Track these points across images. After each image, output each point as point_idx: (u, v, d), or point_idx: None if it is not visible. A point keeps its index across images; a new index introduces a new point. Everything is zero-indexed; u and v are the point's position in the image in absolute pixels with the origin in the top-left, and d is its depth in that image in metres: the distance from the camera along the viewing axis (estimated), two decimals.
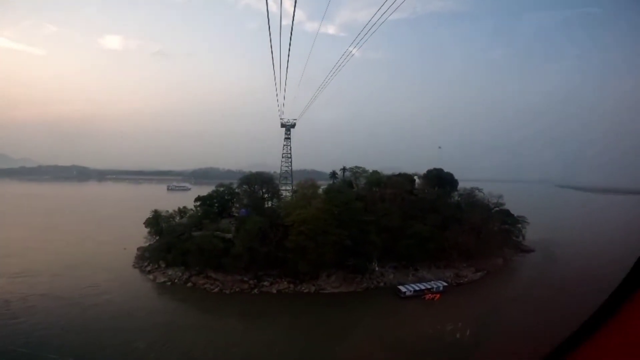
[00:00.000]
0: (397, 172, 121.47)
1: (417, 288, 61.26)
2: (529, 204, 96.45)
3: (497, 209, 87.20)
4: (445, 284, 63.86)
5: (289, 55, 28.47)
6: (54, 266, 68.57)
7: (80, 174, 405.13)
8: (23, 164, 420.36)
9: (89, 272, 65.60)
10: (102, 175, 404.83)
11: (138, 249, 78.06)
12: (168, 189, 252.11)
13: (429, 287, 62.13)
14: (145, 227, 75.41)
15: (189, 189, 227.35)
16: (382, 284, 65.03)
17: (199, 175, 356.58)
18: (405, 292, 60.06)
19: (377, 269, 66.95)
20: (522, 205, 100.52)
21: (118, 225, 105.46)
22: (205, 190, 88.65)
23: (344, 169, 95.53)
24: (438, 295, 60.77)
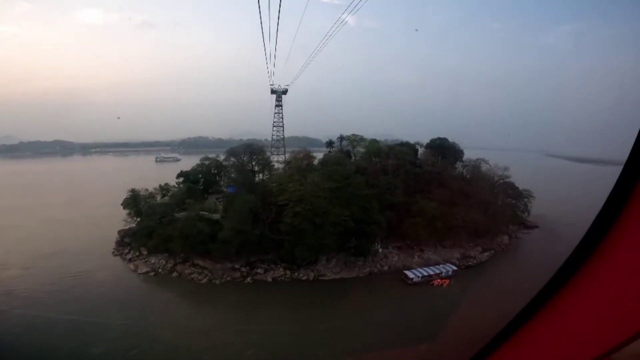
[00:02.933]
0: (391, 139, 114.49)
1: (425, 273, 56.07)
2: (523, 176, 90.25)
3: (502, 181, 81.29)
4: (454, 267, 58.78)
5: (278, 22, 28.35)
6: (25, 256, 61.38)
7: (64, 149, 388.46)
8: (4, 141, 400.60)
9: (63, 262, 58.60)
10: (86, 150, 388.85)
11: (119, 232, 70.88)
12: (156, 161, 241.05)
13: (438, 271, 57.02)
14: (123, 208, 67.87)
15: (179, 160, 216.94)
16: (386, 268, 59.61)
17: (188, 145, 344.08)
18: (412, 279, 54.89)
19: (380, 250, 61.51)
20: (515, 176, 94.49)
21: (100, 203, 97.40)
22: (195, 161, 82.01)
23: (341, 138, 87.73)
24: (447, 281, 55.82)
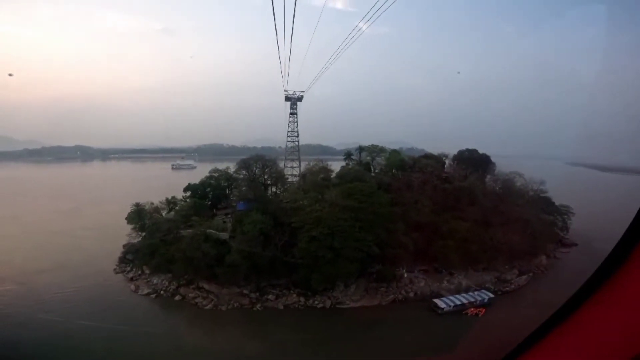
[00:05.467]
0: (406, 147, 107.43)
1: (457, 302, 49.30)
2: (547, 186, 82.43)
3: (537, 196, 73.70)
4: (490, 294, 51.81)
5: (292, 29, 28.17)
6: (23, 270, 57.56)
7: (84, 154, 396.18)
8: (27, 145, 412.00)
9: (60, 279, 54.77)
10: (105, 155, 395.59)
11: (124, 246, 66.73)
12: (173, 168, 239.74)
13: (472, 299, 50.12)
14: (128, 223, 63.65)
15: (195, 167, 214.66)
16: (411, 294, 53.02)
17: (203, 152, 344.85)
18: (444, 308, 48.16)
19: (405, 275, 54.95)
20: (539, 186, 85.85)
21: (111, 212, 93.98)
22: (210, 168, 77.86)
23: (360, 149, 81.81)
24: (483, 310, 48.69)
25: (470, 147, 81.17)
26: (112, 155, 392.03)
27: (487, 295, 51.45)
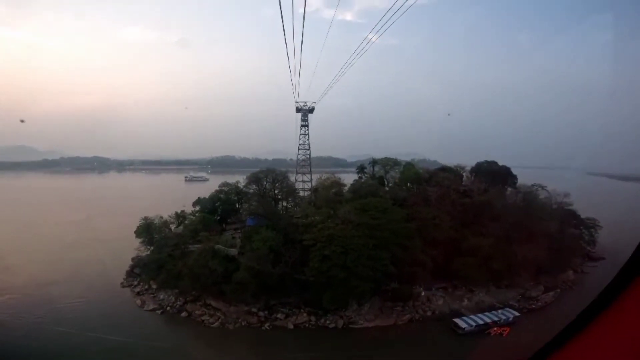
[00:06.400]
0: (417, 158, 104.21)
1: (479, 321, 46.18)
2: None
3: (561, 209, 69.92)
4: (515, 313, 48.37)
5: (302, 41, 29.20)
6: (32, 281, 56.97)
7: (101, 165, 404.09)
8: (47, 156, 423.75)
9: (66, 291, 53.43)
10: (121, 166, 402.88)
11: (133, 259, 65.58)
12: (186, 180, 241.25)
13: (496, 318, 46.83)
14: (136, 237, 62.56)
15: (207, 180, 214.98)
16: (429, 313, 50.06)
17: (216, 164, 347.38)
18: (464, 328, 45.02)
19: (422, 293, 51.97)
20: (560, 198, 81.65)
21: (123, 224, 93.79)
22: (222, 180, 77.23)
23: (373, 162, 79.62)
24: (507, 329, 45.27)
25: (484, 158, 78.21)
26: (128, 167, 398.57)
27: (511, 313, 48.19)
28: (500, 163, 77.17)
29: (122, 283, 58.58)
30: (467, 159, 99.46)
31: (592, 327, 3.35)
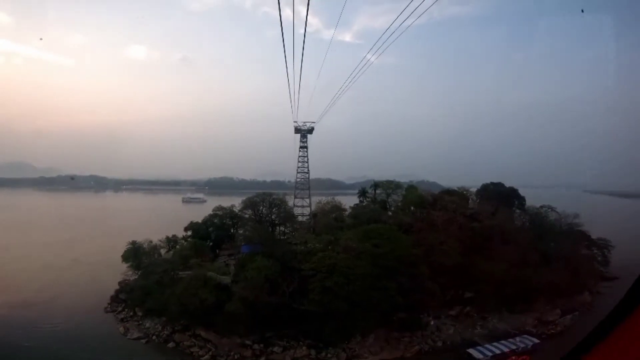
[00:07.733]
0: (416, 180, 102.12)
1: (496, 350, 42.14)
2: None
3: (572, 230, 67.63)
4: (534, 339, 44.46)
5: (302, 62, 29.13)
6: (11, 300, 54.26)
7: (98, 184, 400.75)
8: (44, 173, 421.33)
9: (45, 315, 51.12)
10: (118, 185, 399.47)
11: (119, 283, 61.69)
12: (183, 201, 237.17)
13: (514, 346, 42.90)
14: (123, 261, 59.13)
15: (205, 201, 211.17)
16: (439, 343, 46.41)
17: (213, 185, 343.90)
18: (479, 359, 41.13)
19: (432, 322, 48.26)
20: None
21: (113, 246, 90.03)
22: (220, 202, 76.72)
23: (375, 186, 77.25)
24: (527, 358, 41.45)
25: (483, 178, 77.26)
26: (125, 187, 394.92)
27: (530, 340, 44.11)
28: (498, 182, 76.07)
29: (105, 308, 55.49)
30: (466, 180, 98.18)
31: (614, 333, 3.29)
